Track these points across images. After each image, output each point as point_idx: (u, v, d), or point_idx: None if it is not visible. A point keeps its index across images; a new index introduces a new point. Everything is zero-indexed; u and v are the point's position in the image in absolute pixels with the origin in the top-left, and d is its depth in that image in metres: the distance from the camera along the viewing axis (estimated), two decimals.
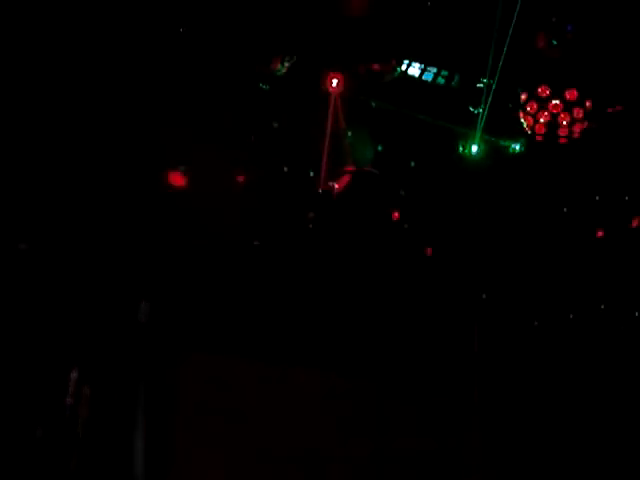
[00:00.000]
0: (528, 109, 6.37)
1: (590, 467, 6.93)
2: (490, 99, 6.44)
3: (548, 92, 6.31)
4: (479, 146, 6.65)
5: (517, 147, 6.71)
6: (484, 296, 7.02)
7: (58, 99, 5.96)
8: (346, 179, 6.43)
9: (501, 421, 6.87)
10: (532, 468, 6.93)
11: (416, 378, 6.70)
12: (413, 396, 6.67)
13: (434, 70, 6.50)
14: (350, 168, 6.43)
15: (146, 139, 6.15)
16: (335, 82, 6.40)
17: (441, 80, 6.53)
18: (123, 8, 5.98)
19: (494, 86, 6.41)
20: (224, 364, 6.27)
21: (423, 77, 6.55)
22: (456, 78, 6.53)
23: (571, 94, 6.32)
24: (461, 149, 6.69)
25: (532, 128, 6.41)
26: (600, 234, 7.05)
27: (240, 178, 6.41)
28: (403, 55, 6.41)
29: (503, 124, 6.62)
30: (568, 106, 6.33)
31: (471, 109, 6.54)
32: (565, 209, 7.02)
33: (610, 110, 6.55)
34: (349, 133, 6.63)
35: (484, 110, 6.49)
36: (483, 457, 6.78)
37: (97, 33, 5.98)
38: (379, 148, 6.76)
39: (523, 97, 6.39)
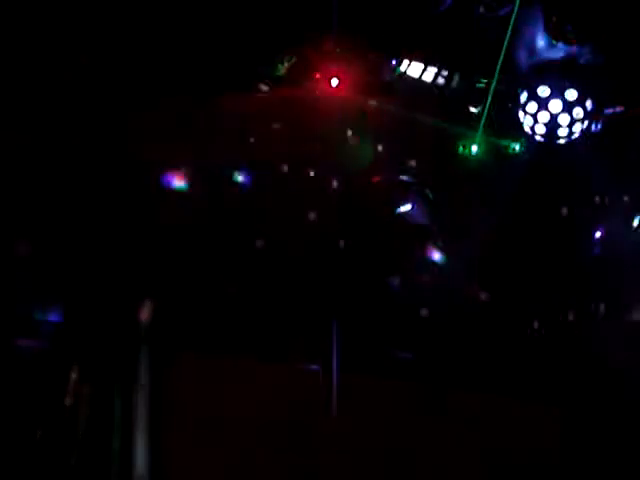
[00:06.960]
0: (528, 109, 6.38)
1: (591, 467, 6.94)
2: (490, 99, 6.45)
3: (548, 92, 6.32)
4: (479, 146, 6.65)
5: (517, 147, 6.72)
6: (485, 297, 7.04)
7: (56, 99, 5.97)
8: None
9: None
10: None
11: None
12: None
13: (434, 70, 6.50)
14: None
15: (146, 139, 6.16)
16: (335, 82, 6.42)
17: (441, 80, 6.54)
18: (121, 7, 5.99)
19: (494, 86, 6.43)
20: (223, 363, 6.28)
21: (424, 78, 6.56)
22: (456, 78, 6.53)
23: (571, 94, 6.34)
24: (461, 149, 6.69)
25: (532, 128, 6.42)
26: (600, 234, 7.06)
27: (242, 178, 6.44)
28: (404, 55, 6.43)
29: (503, 124, 6.62)
30: (568, 106, 6.35)
31: (471, 109, 6.55)
32: (565, 210, 7.03)
33: (610, 110, 6.56)
34: (349, 133, 6.66)
35: (484, 110, 6.51)
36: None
37: (94, 32, 5.99)
38: (379, 148, 6.79)
39: (523, 97, 6.40)
